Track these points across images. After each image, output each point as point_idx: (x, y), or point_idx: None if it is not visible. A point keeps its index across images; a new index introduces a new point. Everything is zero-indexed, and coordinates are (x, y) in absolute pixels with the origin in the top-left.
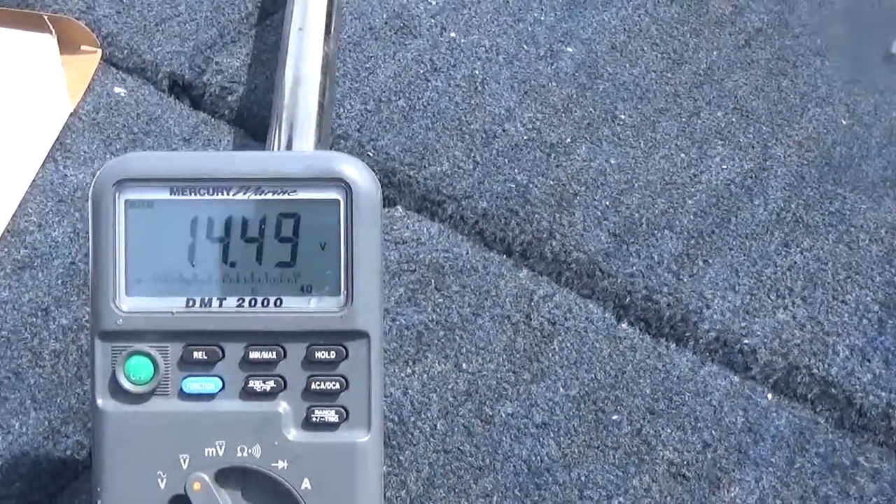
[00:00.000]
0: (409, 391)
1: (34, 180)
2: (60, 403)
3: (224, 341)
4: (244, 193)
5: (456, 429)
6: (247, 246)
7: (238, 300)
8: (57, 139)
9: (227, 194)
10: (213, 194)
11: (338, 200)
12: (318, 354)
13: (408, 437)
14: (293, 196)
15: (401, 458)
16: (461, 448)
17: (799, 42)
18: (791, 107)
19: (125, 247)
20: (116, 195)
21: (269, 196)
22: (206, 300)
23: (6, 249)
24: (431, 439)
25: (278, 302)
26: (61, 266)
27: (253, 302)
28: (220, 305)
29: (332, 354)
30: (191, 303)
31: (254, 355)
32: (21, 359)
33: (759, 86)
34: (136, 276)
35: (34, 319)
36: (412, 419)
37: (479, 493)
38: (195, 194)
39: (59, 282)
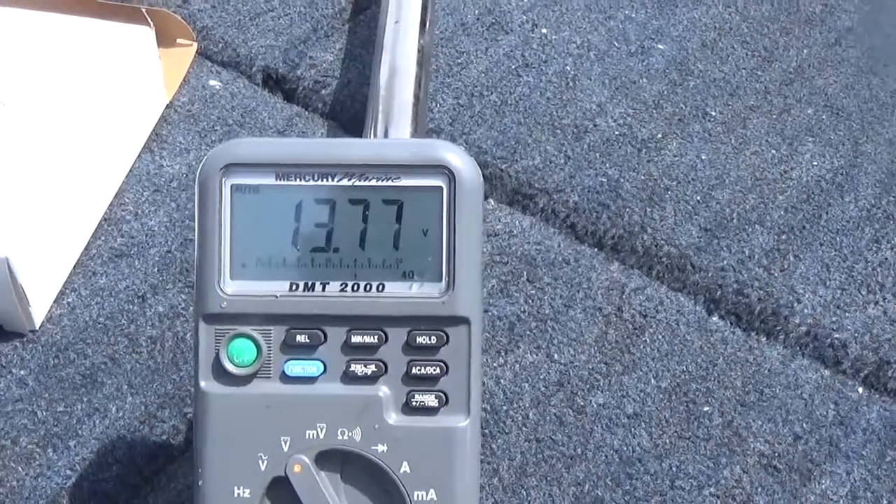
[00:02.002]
0: (502, 381)
1: (131, 170)
2: (157, 389)
3: (326, 325)
4: (348, 179)
5: (548, 418)
6: (350, 231)
7: (341, 285)
8: (153, 130)
9: (332, 180)
10: (318, 180)
11: (441, 188)
12: (420, 339)
13: (500, 425)
14: (397, 183)
15: (493, 446)
16: (553, 437)
17: (889, 41)
18: (881, 105)
19: (230, 231)
20: (223, 180)
21: (373, 182)
22: (310, 284)
23: (103, 237)
24: (524, 428)
25: (380, 287)
26: (157, 254)
27: (356, 287)
28: (323, 290)
29: (433, 340)
30: (294, 287)
31: (356, 339)
32: (118, 345)
33: (849, 84)
34: (241, 259)
35: (130, 306)
36: (504, 408)
37: (570, 481)
38: (300, 180)
39: (156, 269)
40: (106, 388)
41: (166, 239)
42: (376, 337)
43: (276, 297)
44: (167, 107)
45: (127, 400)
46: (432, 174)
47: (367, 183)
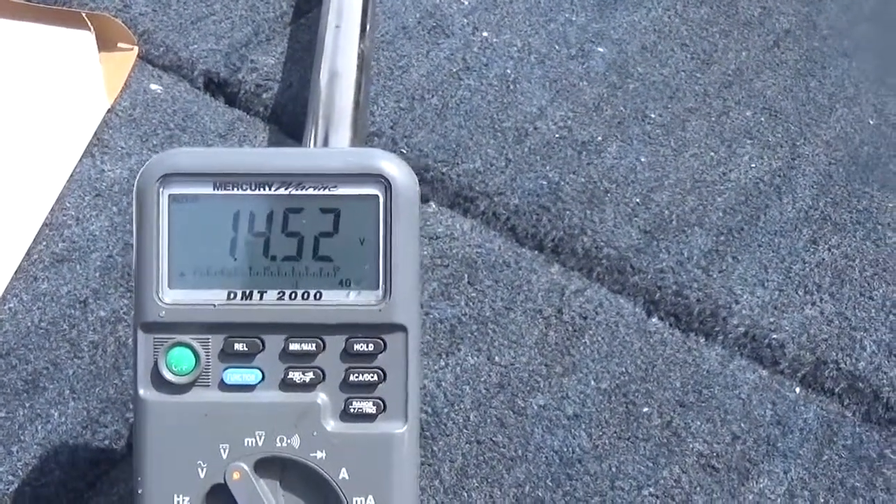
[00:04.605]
0: (443, 383)
1: (72, 175)
2: (99, 394)
3: (264, 333)
4: (285, 189)
5: (489, 420)
6: (287, 240)
7: (279, 293)
8: (94, 135)
9: (269, 189)
10: (255, 189)
11: (377, 196)
12: (357, 347)
13: (441, 427)
14: (333, 191)
15: (434, 448)
16: (494, 439)
17: (827, 43)
18: (819, 107)
19: (168, 240)
20: (161, 190)
21: (310, 191)
22: (248, 293)
23: (45, 242)
24: (465, 430)
25: (318, 295)
26: (99, 259)
27: (293, 295)
28: (261, 298)
29: (371, 347)
30: (232, 295)
31: (293, 347)
32: (59, 350)
33: (787, 86)
34: (179, 269)
35: (72, 311)
36: (446, 410)
37: (511, 482)
38: (238, 189)
39: (97, 274)
40: (48, 394)
41: (108, 244)
42: (314, 345)
43: (214, 305)
44: (108, 111)
45: (69, 405)
46: (369, 183)
47: (304, 192)
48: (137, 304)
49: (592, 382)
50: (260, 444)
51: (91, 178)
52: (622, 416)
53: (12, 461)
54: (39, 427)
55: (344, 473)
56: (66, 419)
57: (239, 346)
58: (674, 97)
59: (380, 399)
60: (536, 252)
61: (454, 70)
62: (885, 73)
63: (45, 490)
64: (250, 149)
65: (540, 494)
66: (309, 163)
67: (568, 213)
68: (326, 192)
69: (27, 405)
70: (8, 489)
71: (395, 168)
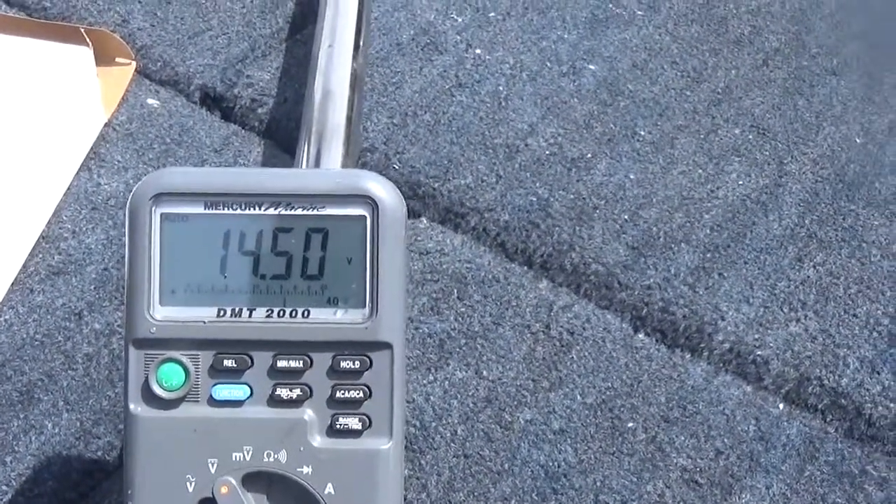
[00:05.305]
0: (431, 397)
1: (69, 188)
2: (92, 405)
3: (253, 350)
4: (275, 209)
5: (476, 434)
6: (276, 259)
7: (267, 311)
8: (91, 149)
9: (259, 209)
10: (245, 209)
11: (364, 217)
12: (344, 364)
13: (429, 441)
14: (322, 212)
15: (422, 461)
16: (481, 453)
17: (815, 62)
18: (806, 125)
19: (160, 258)
20: (153, 208)
21: (299, 212)
22: (237, 310)
23: (41, 255)
24: (452, 444)
25: (306, 313)
26: (94, 272)
27: (281, 313)
28: (250, 316)
29: (357, 364)
30: (222, 313)
31: (281, 364)
32: (54, 361)
33: (775, 104)
34: (170, 286)
35: (67, 323)
36: (433, 424)
37: (497, 496)
38: (228, 209)
39: (93, 287)
40: (42, 405)
41: (103, 257)
42: (301, 362)
43: (205, 322)
44: (106, 125)
45: (63, 416)
46: (356, 204)
47: (293, 212)
48: (129, 320)
49: (579, 397)
50: (247, 458)
51: (87, 191)
52: (607, 431)
53: (6, 471)
54: (33, 438)
55: (330, 488)
56: (60, 430)
57: (228, 363)
58: (663, 115)
59: (365, 415)
60: (525, 268)
61: (447, 87)
62: (872, 91)
63: (38, 500)
64: (241, 169)
65: None
66: (298, 184)
67: (557, 229)
68: (315, 212)
69: (21, 416)
70: (1, 499)
71: (382, 189)
